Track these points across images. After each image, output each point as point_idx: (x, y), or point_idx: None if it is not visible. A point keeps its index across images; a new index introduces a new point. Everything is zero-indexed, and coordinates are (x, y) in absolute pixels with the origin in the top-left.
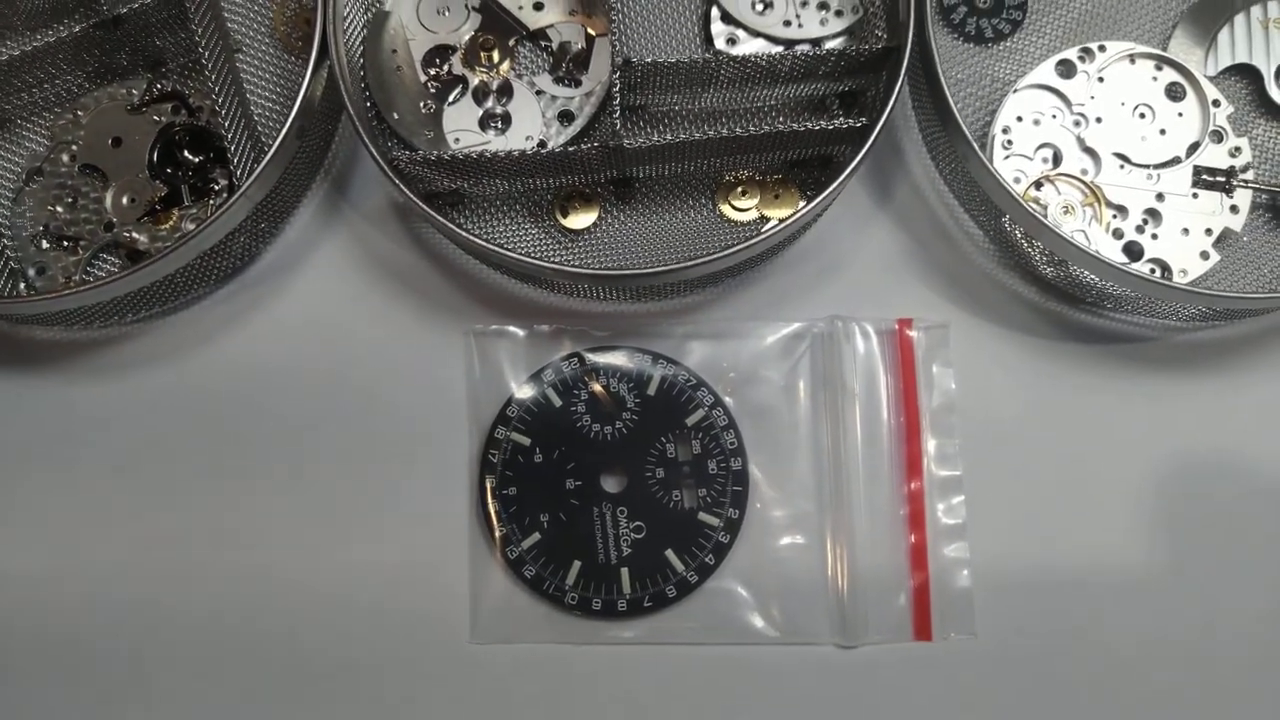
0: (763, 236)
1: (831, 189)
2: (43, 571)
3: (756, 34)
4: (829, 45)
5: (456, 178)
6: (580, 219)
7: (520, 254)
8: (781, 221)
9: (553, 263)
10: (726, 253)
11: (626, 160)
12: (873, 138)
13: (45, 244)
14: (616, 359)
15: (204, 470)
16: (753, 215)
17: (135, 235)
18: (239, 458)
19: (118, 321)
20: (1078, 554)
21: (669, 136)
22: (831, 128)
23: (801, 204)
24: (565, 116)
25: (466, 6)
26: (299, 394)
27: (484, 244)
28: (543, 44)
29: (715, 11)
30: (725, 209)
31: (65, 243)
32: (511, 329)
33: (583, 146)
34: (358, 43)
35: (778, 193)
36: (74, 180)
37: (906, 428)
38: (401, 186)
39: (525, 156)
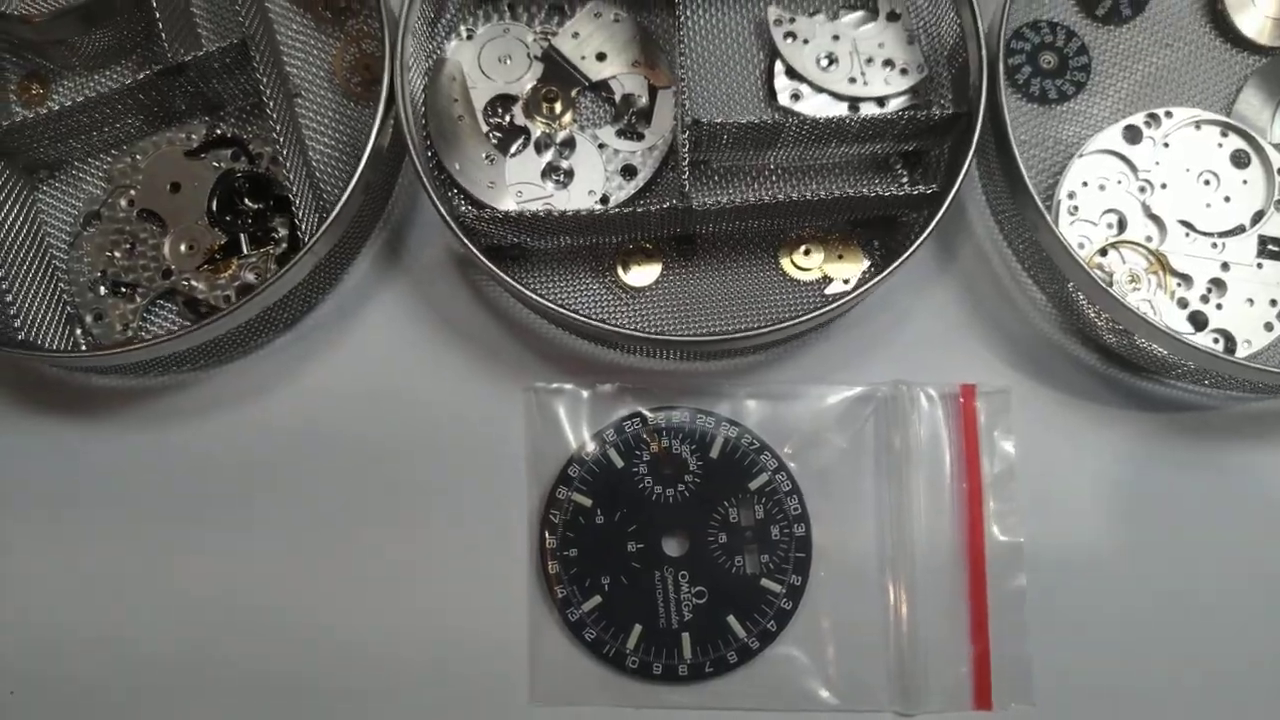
0: (830, 308)
1: (903, 259)
2: (95, 616)
3: (820, 90)
4: (893, 104)
5: (520, 233)
6: (642, 275)
7: (589, 317)
8: (851, 290)
9: (617, 326)
10: (792, 322)
11: (693, 219)
12: (944, 207)
13: (103, 290)
14: (679, 419)
15: (260, 521)
16: (815, 275)
17: (194, 284)
18: (294, 509)
19: (175, 370)
20: (1138, 623)
21: (737, 198)
22: (902, 194)
23: (865, 262)
24: (628, 171)
25: (528, 55)
26: (355, 447)
27: (549, 304)
28: (604, 95)
29: (779, 66)
30: (788, 267)
31: (122, 289)
32: (572, 387)
33: (651, 208)
34: (419, 90)
35: (841, 252)
36: (132, 226)
37: (968, 494)
38: (467, 243)
39: (593, 217)
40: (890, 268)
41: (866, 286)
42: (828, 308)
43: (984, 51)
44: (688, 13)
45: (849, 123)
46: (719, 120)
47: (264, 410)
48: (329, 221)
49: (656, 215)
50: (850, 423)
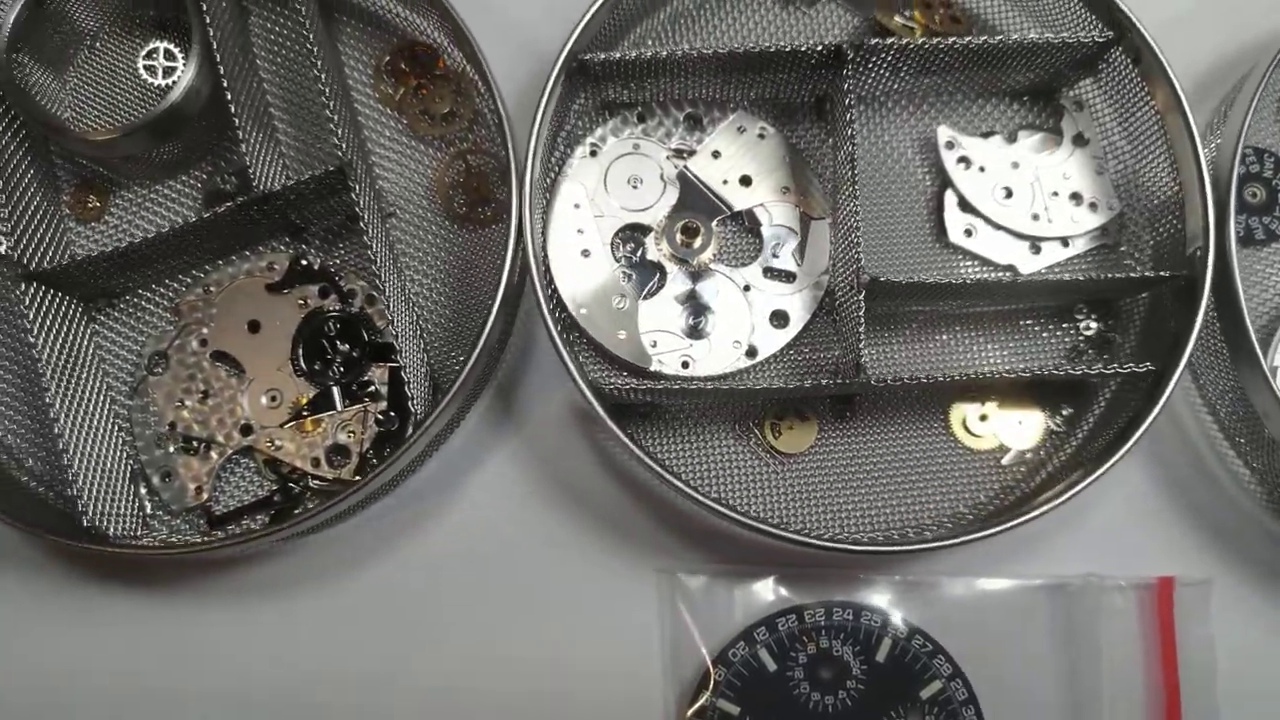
0: (1020, 522)
1: (1118, 457)
2: None
3: (997, 227)
4: (1078, 243)
5: (659, 398)
6: (794, 440)
7: (738, 511)
8: (1055, 491)
9: (768, 525)
10: (975, 537)
11: (865, 390)
12: (1166, 395)
13: (172, 447)
14: (841, 617)
15: (352, 714)
16: (990, 443)
17: (278, 443)
18: (391, 703)
19: (255, 540)
20: None
21: (921, 373)
22: (1112, 371)
23: (1045, 424)
24: (778, 317)
25: (661, 178)
26: (460, 631)
27: (691, 491)
28: (749, 226)
29: (950, 197)
30: (959, 431)
31: (194, 443)
32: (716, 574)
33: (822, 382)
34: (536, 214)
35: (1020, 418)
36: (205, 371)
37: (1165, 701)
38: (598, 408)
39: (750, 391)
40: (1104, 468)
41: (1063, 500)
42: (1017, 521)
43: (1208, 192)
44: (851, 133)
45: (1041, 285)
46: (900, 279)
47: (356, 587)
48: (449, 397)
49: (822, 392)
50: (1034, 621)
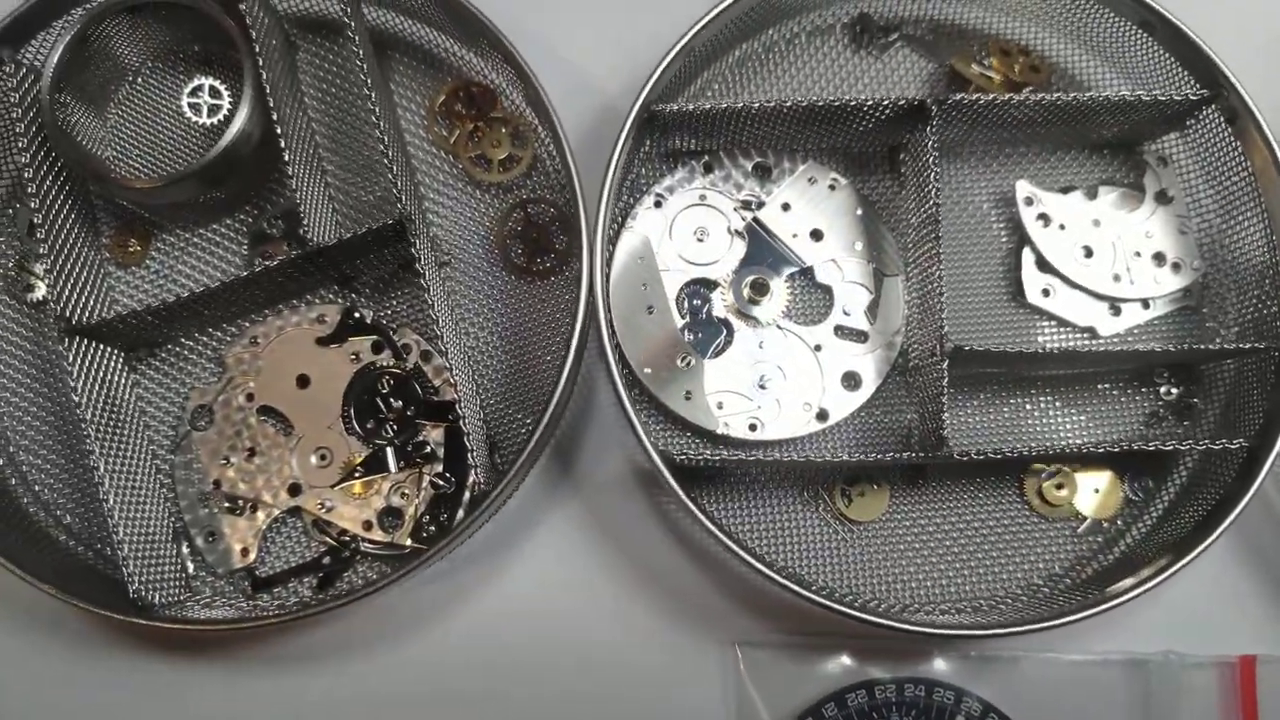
0: (1121, 601)
1: (1210, 541)
2: None
3: (1076, 287)
4: (1160, 305)
5: (730, 464)
6: (865, 508)
7: (812, 591)
8: (1141, 577)
9: (850, 605)
10: (1069, 619)
11: (945, 462)
12: (1263, 475)
13: (215, 509)
14: (913, 694)
15: None
16: (1066, 511)
17: (328, 504)
18: None
19: (308, 616)
20: None
21: (1005, 449)
22: (1204, 448)
23: (1121, 493)
24: (850, 378)
25: (729, 230)
26: (516, 700)
27: (764, 568)
28: (820, 284)
29: (1028, 255)
30: (1034, 498)
31: (239, 503)
32: (783, 645)
33: (902, 455)
34: (601, 263)
35: (1097, 485)
36: (251, 428)
37: None
38: (671, 479)
39: (829, 465)
40: (1183, 561)
41: (1151, 586)
42: (1102, 608)
43: None
44: (934, 191)
45: (1130, 354)
46: (984, 348)
47: (407, 653)
48: (515, 467)
49: (895, 465)
50: (1112, 699)
